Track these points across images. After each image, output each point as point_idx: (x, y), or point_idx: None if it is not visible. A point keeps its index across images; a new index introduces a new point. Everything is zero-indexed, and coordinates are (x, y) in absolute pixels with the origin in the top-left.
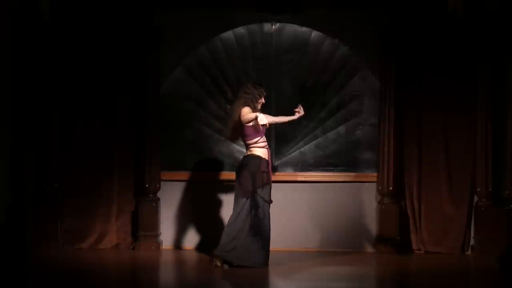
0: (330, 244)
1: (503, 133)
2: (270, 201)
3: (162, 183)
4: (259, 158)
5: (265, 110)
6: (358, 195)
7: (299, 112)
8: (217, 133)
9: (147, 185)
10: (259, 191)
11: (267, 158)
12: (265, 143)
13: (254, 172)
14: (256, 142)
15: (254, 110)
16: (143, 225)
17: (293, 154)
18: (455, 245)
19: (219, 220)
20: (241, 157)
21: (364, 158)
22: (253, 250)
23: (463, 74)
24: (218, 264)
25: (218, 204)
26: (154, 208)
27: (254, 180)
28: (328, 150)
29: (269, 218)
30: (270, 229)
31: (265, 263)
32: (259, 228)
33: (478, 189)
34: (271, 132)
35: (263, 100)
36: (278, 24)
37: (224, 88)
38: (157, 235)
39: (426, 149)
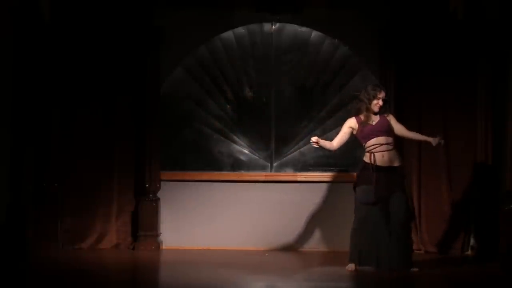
0: (330, 244)
1: (503, 133)
2: (367, 202)
3: (162, 183)
4: (362, 160)
5: (263, 110)
6: None
7: (439, 141)
8: (217, 133)
9: (147, 185)
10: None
11: (368, 161)
12: (371, 147)
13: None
14: (364, 147)
15: (368, 112)
16: (143, 225)
17: (293, 154)
18: (455, 245)
19: (219, 220)
20: (243, 158)
21: None
22: None
23: (463, 74)
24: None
25: (218, 204)
26: (154, 208)
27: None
28: (328, 150)
29: (360, 220)
30: (357, 232)
31: (350, 260)
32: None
33: (478, 189)
34: (271, 132)
35: (379, 102)
36: (278, 24)
37: (224, 88)
38: (157, 235)
39: (426, 149)
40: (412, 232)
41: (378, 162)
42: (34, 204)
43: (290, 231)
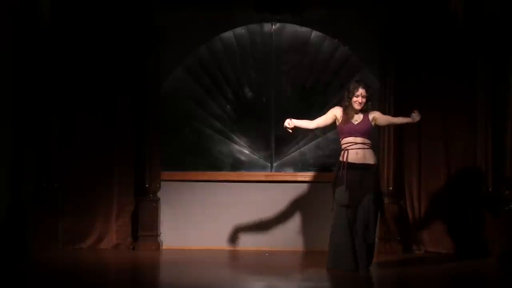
0: None
1: (503, 133)
2: (344, 205)
3: (162, 183)
4: (338, 160)
5: (263, 110)
6: None
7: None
8: (217, 133)
9: (147, 185)
10: (335, 192)
11: (343, 160)
12: (346, 145)
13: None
14: (339, 143)
15: (350, 109)
16: (143, 225)
17: (293, 154)
18: (455, 245)
19: (219, 220)
20: (243, 158)
21: None
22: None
23: (463, 74)
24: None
25: (218, 204)
26: (154, 208)
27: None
28: (328, 150)
29: (340, 224)
30: (339, 236)
31: (327, 267)
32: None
33: (478, 189)
34: (271, 132)
35: (358, 100)
36: (278, 24)
37: (224, 88)
38: (157, 235)
39: (426, 149)
40: (412, 233)
41: (352, 160)
42: (34, 204)
43: (290, 231)
